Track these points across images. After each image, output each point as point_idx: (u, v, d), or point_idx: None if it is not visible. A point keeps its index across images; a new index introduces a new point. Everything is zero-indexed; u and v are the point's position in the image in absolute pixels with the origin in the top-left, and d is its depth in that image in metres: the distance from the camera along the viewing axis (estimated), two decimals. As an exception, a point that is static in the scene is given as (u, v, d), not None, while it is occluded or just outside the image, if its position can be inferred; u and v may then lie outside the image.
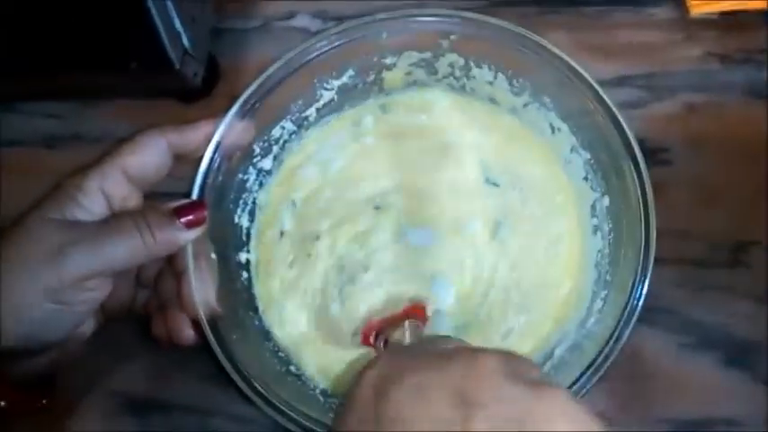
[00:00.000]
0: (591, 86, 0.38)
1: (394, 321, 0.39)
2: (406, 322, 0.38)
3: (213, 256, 0.38)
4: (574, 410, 0.25)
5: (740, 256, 0.43)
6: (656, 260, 0.36)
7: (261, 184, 0.42)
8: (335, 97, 0.42)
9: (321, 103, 0.42)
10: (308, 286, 0.41)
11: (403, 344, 0.37)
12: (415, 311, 0.39)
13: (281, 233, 0.42)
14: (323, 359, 0.40)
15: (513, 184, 0.42)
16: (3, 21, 0.39)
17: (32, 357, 0.34)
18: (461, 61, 0.41)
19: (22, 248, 0.32)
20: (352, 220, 0.42)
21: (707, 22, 0.46)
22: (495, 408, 0.25)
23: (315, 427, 0.36)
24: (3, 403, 0.33)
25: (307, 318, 0.41)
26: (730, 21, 0.45)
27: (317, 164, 0.43)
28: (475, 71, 0.41)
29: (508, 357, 0.27)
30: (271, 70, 0.38)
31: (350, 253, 0.41)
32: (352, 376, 0.36)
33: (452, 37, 0.40)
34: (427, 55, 0.41)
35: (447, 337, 0.35)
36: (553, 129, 0.41)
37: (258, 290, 0.41)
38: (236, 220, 0.41)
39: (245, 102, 0.38)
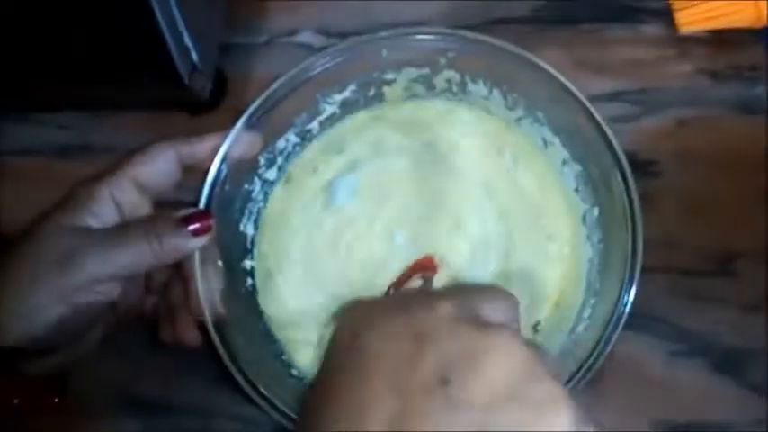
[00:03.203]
0: (582, 102, 0.39)
1: (405, 278, 0.42)
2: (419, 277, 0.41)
3: (219, 262, 0.39)
4: (512, 346, 0.27)
5: (728, 265, 0.44)
6: (646, 269, 0.37)
7: (266, 194, 0.44)
8: (338, 111, 0.44)
9: (324, 116, 0.43)
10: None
11: None
12: (425, 263, 0.42)
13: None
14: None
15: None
16: (18, 34, 0.40)
17: (44, 357, 0.35)
18: (458, 77, 0.43)
19: (35, 253, 0.33)
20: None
21: (697, 40, 0.47)
22: (445, 343, 0.28)
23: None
24: (16, 401, 0.34)
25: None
26: (719, 38, 0.47)
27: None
28: (471, 87, 0.43)
29: (463, 301, 0.30)
30: (276, 85, 0.40)
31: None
32: None
33: (450, 54, 0.41)
34: (425, 71, 0.43)
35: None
36: (546, 142, 0.43)
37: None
38: (242, 228, 0.43)
39: (251, 115, 0.39)
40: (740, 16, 0.44)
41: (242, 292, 0.42)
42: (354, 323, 0.30)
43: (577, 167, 0.42)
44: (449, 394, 0.26)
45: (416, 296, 0.34)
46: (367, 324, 0.30)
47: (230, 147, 0.38)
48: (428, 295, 0.33)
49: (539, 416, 0.26)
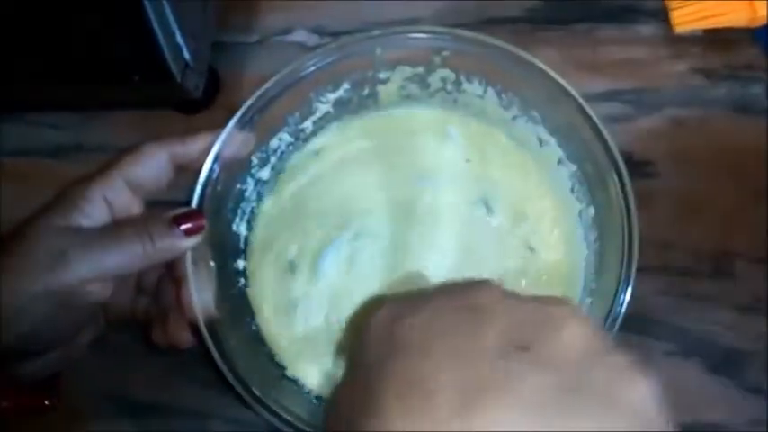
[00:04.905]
0: (577, 102, 0.39)
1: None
2: None
3: (211, 263, 0.39)
4: (580, 315, 0.29)
5: (723, 266, 0.44)
6: (641, 269, 0.37)
7: (259, 194, 0.43)
8: (331, 110, 0.43)
9: (317, 115, 0.43)
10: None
11: None
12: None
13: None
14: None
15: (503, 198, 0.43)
16: (11, 34, 0.40)
17: (35, 359, 0.34)
18: (452, 76, 0.42)
19: (26, 252, 0.32)
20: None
21: (692, 39, 0.47)
22: (507, 313, 0.28)
23: (308, 430, 0.37)
24: (4, 404, 0.34)
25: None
26: (715, 37, 0.47)
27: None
28: (465, 86, 0.43)
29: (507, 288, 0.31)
30: (269, 84, 0.39)
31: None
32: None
33: (444, 53, 0.41)
34: (420, 70, 0.42)
35: None
36: (541, 142, 0.43)
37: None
38: (234, 228, 0.42)
39: (244, 114, 0.39)
40: (735, 16, 0.44)
41: (234, 292, 0.42)
42: (391, 312, 0.30)
43: (573, 167, 0.42)
44: (529, 358, 0.26)
45: (454, 284, 0.33)
46: (407, 310, 0.30)
47: (223, 146, 0.38)
48: (466, 282, 0.32)
49: (624, 378, 0.27)
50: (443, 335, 0.28)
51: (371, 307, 0.32)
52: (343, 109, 0.44)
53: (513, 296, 0.30)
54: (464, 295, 0.30)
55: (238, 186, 0.42)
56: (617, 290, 0.37)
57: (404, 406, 0.26)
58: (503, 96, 0.42)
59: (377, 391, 0.27)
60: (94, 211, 0.34)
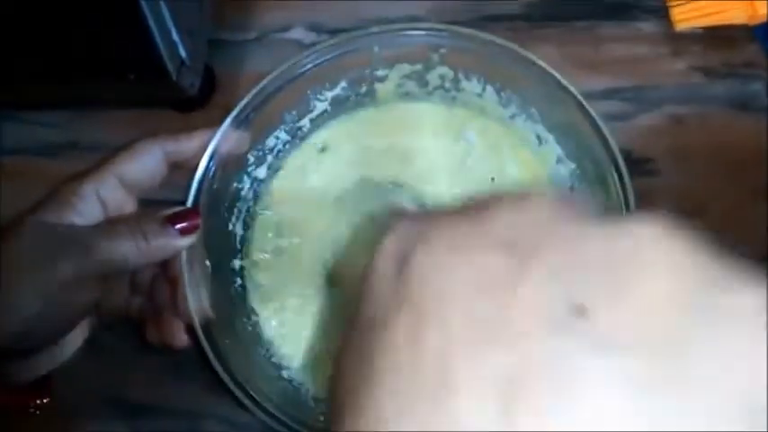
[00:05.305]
0: (576, 99, 0.39)
1: None
2: None
3: (207, 262, 0.38)
4: (671, 243, 0.18)
5: (723, 265, 0.44)
6: (640, 268, 0.37)
7: (255, 193, 0.43)
8: (329, 108, 0.43)
9: (315, 113, 0.43)
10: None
11: None
12: None
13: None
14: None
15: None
16: (5, 31, 0.40)
17: (27, 358, 0.34)
18: (451, 74, 0.42)
19: (17, 249, 0.32)
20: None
21: (692, 37, 0.47)
22: (557, 250, 0.19)
23: (303, 430, 0.36)
24: (-3, 400, 0.34)
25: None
26: (715, 35, 0.46)
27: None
28: (464, 83, 0.42)
29: (564, 200, 0.20)
30: (266, 81, 0.39)
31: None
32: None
33: (442, 50, 0.41)
34: (418, 67, 0.42)
35: None
36: (540, 140, 0.42)
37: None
38: (230, 227, 0.42)
39: (241, 112, 0.39)
40: (735, 13, 0.44)
41: (231, 292, 0.41)
42: (401, 242, 0.21)
43: (572, 165, 0.41)
44: (591, 328, 0.17)
45: (486, 200, 0.21)
46: (421, 240, 0.20)
47: (219, 144, 0.38)
48: (501, 199, 0.21)
49: (741, 331, 0.17)
50: (464, 284, 0.19)
51: (377, 235, 0.22)
52: (340, 107, 0.43)
53: (567, 222, 0.19)
54: (497, 223, 0.20)
55: (235, 185, 0.42)
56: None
57: (403, 408, 0.18)
58: (501, 94, 0.42)
59: (370, 377, 0.19)
60: (87, 208, 0.34)
